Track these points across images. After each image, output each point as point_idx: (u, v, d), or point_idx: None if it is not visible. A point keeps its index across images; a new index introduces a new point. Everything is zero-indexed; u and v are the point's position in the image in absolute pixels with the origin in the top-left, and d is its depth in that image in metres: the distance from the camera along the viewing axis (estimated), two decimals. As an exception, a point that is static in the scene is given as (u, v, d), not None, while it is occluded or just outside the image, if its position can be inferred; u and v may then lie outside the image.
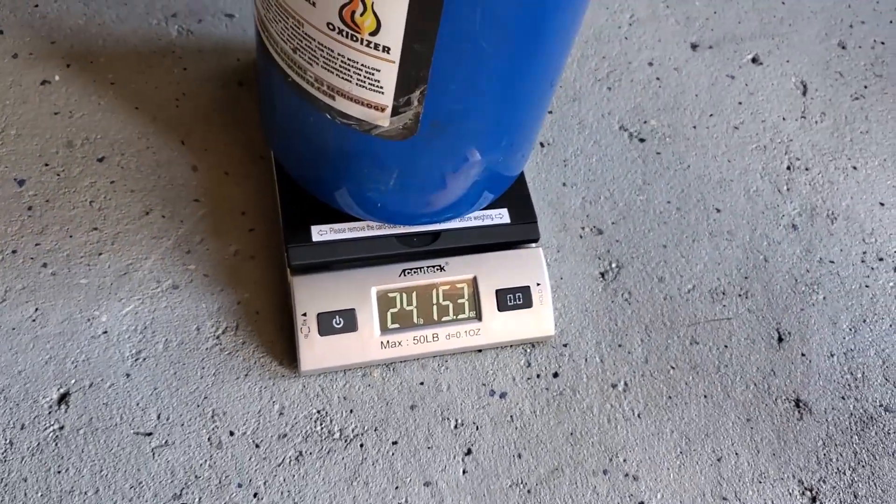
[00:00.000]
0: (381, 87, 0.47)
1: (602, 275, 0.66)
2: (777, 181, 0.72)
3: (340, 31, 0.44)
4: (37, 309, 0.58)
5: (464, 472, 0.57)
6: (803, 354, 0.64)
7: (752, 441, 0.60)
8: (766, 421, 0.61)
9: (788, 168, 0.73)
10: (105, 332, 0.58)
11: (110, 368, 0.57)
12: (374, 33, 0.44)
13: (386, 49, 0.44)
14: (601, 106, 0.74)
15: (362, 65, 0.46)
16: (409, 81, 0.46)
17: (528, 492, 0.56)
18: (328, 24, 0.44)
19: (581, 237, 0.67)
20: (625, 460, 0.58)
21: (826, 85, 0.78)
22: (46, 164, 0.64)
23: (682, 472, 0.59)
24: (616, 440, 0.59)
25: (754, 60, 0.78)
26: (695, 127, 0.74)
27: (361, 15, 0.43)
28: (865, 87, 0.79)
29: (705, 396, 0.62)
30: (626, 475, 0.58)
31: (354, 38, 0.44)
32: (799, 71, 0.78)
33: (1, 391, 0.55)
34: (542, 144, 0.71)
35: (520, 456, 0.58)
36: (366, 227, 0.59)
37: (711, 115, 0.75)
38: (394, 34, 0.43)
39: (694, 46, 0.78)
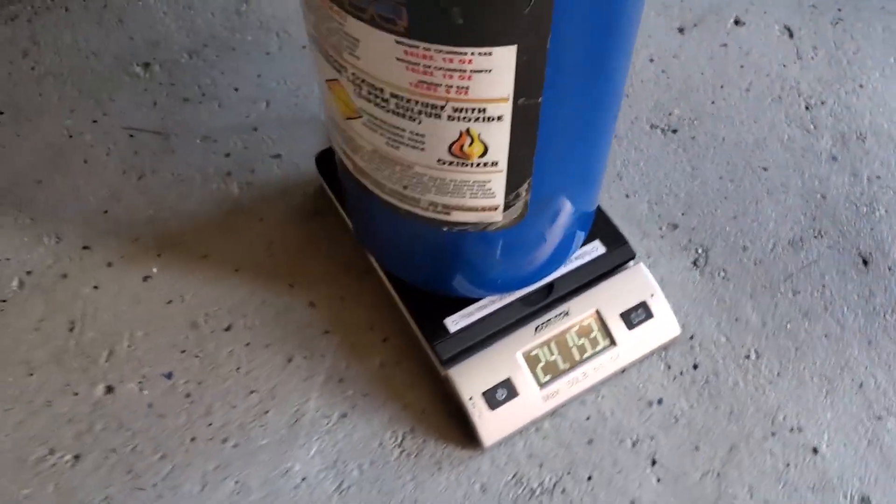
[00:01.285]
0: (493, 193, 0.53)
1: (694, 263, 0.72)
2: (802, 123, 0.79)
3: (451, 163, 0.50)
4: (236, 482, 0.64)
5: (658, 480, 0.63)
6: (890, 268, 0.71)
7: (880, 359, 0.67)
8: (884, 337, 0.68)
9: (807, 108, 0.80)
10: (304, 479, 0.64)
11: (323, 508, 0.63)
12: (482, 156, 0.50)
13: (494, 164, 0.50)
14: (627, 113, 0.80)
15: (474, 181, 0.52)
16: (516, 180, 0.52)
17: (718, 476, 0.63)
18: (438, 160, 0.50)
19: (662, 237, 0.73)
20: (784, 418, 0.65)
21: (806, 21, 0.85)
22: (183, 351, 0.69)
23: (836, 408, 0.65)
24: (769, 403, 0.65)
25: (737, 23, 0.85)
26: (713, 102, 0.80)
27: (470, 146, 0.49)
28: (839, 9, 0.86)
29: (825, 336, 0.68)
30: (791, 430, 0.64)
31: (464, 165, 0.50)
32: (779, 18, 0.85)
33: (242, 563, 0.61)
34: (593, 168, 0.77)
35: (697, 448, 0.64)
36: (490, 303, 0.65)
37: (722, 86, 0.81)
38: (500, 151, 0.49)
39: (681, 30, 0.85)
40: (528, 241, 0.60)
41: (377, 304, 0.70)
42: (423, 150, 0.50)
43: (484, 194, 0.53)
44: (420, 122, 0.48)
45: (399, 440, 0.65)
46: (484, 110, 0.46)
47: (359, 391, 0.67)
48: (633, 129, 0.79)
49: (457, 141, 0.49)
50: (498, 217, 0.55)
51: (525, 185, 0.53)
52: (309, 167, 0.77)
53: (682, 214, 0.74)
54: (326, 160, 0.72)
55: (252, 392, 0.67)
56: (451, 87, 0.45)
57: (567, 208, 0.60)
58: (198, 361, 0.69)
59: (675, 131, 0.79)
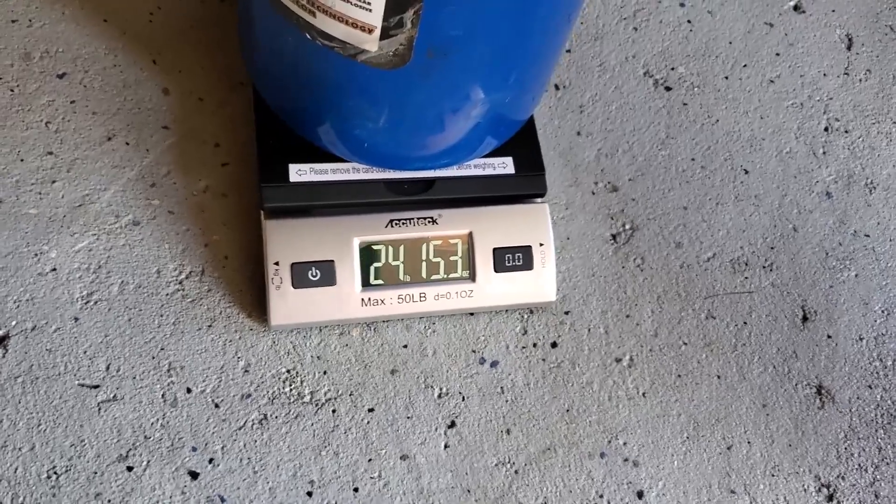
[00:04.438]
0: (369, 4, 0.40)
1: (613, 237, 0.59)
2: (813, 143, 0.65)
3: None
4: (-21, 239, 0.52)
5: (445, 446, 0.51)
6: (829, 336, 0.58)
7: (767, 429, 0.55)
8: (784, 408, 0.55)
9: (826, 129, 0.66)
10: (53, 270, 0.52)
11: (57, 311, 0.51)
12: (362, -64, 0.37)
13: (377, -43, 0.37)
14: (625, 48, 0.66)
15: (349, -24, 0.39)
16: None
17: (516, 472, 0.51)
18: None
19: (593, 193, 0.60)
20: (625, 443, 0.53)
21: (874, 40, 0.70)
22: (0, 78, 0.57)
23: (688, 460, 0.53)
24: (617, 420, 0.53)
25: (796, 8, 0.71)
26: (726, 77, 0.66)
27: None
28: (917, 43, 0.71)
29: (718, 377, 0.56)
30: (626, 460, 0.52)
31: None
32: (845, 22, 0.71)
33: (-67, 330, 0.49)
34: (556, 87, 0.64)
35: (508, 432, 0.52)
36: (351, 170, 0.53)
37: (745, 65, 0.67)
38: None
39: (731, -13, 0.71)
40: (410, 103, 0.47)
41: (235, 123, 0.58)
42: None
43: (357, 1, 0.40)
44: None
45: (182, 276, 0.53)
46: None
47: (166, 206, 0.55)
48: (624, 67, 0.65)
49: None
50: (372, 45, 0.42)
51: (411, 13, 0.40)
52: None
53: (629, 179, 0.61)
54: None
55: (49, 153, 0.55)
56: None
57: (472, 88, 0.47)
58: (10, 95, 0.56)
59: (668, 89, 0.65)
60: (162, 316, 0.52)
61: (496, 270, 0.53)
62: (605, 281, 0.57)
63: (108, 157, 0.55)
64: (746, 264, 0.59)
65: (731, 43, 0.68)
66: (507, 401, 0.53)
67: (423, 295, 0.53)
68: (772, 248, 0.60)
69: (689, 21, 0.68)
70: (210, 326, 0.52)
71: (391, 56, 0.42)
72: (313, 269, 0.51)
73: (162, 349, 0.51)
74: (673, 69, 0.66)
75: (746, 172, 0.63)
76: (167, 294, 0.52)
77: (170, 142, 0.56)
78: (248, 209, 0.55)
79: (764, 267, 0.60)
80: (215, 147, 0.57)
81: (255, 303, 0.53)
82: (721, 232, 0.60)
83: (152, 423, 0.49)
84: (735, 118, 0.65)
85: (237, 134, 0.57)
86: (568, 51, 0.65)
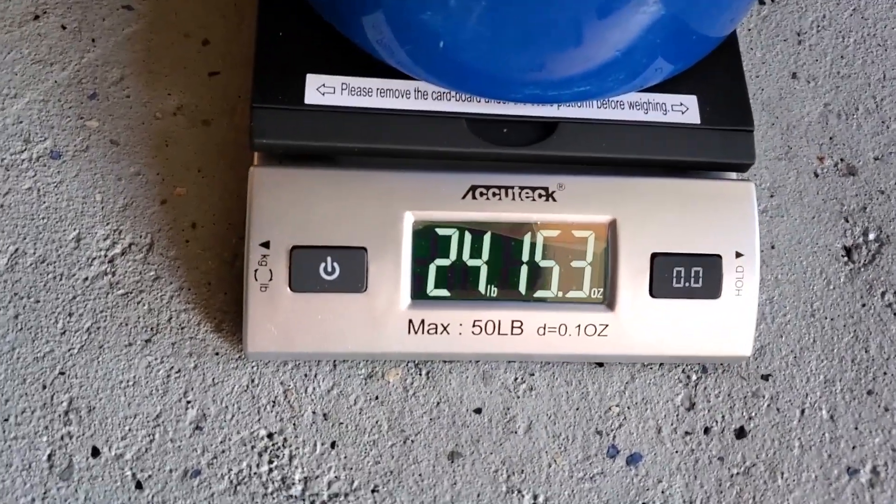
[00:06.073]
0: None
1: (847, 252, 0.35)
2: None
3: None
4: None
5: None
6: None
7: None
8: None
9: None
10: None
11: None
12: None
13: None
14: (875, -53, 0.41)
15: None
16: None
17: None
18: None
19: (816, 175, 0.36)
20: None
21: None
22: None
23: None
24: (847, 589, 0.30)
25: None
26: None
27: None
28: None
29: None
30: None
31: None
32: None
33: None
34: (761, -2, 0.40)
35: (649, 592, 0.29)
36: (413, 93, 0.30)
37: None
38: None
39: None
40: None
41: (239, 8, 0.36)
42: None
43: None
44: None
45: (115, 250, 0.32)
46: None
47: (109, 131, 0.33)
48: (870, -23, 0.41)
49: None
50: None
51: None
52: None
53: (876, 159, 0.37)
54: None
55: (-61, 33, 0.34)
56: None
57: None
58: None
59: (944, 17, 0.40)
60: (71, 315, 0.30)
61: (654, 294, 0.30)
62: (831, 327, 0.33)
63: (29, 46, 0.34)
64: None
65: None
66: (650, 531, 0.30)
67: (518, 324, 0.30)
68: None
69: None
70: (148, 342, 0.30)
71: None
72: (329, 260, 0.29)
73: (62, 373, 0.30)
74: (951, -12, 0.41)
75: None
76: (86, 279, 0.31)
77: (131, 29, 0.35)
78: (241, 149, 0.33)
79: None
80: (203, 45, 0.35)
81: (230, 307, 0.31)
82: None
83: (22, 507, 0.28)
84: None
85: (241, 27, 0.35)
86: (786, -57, 0.41)
